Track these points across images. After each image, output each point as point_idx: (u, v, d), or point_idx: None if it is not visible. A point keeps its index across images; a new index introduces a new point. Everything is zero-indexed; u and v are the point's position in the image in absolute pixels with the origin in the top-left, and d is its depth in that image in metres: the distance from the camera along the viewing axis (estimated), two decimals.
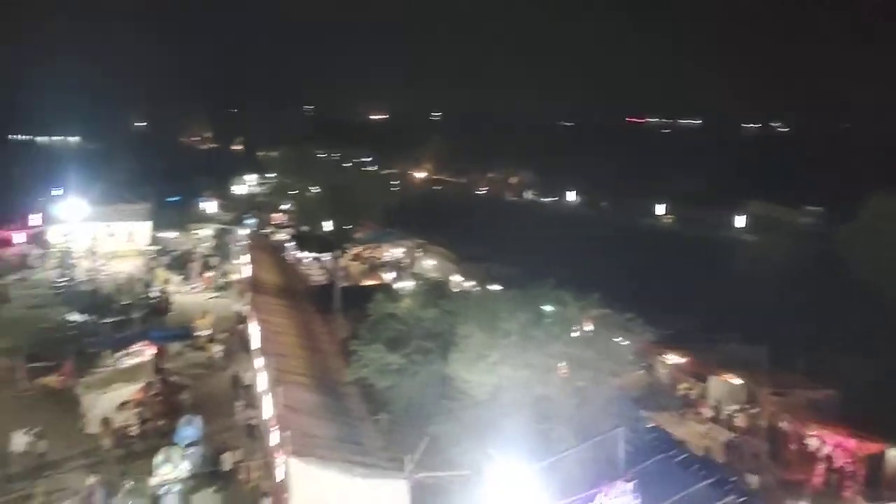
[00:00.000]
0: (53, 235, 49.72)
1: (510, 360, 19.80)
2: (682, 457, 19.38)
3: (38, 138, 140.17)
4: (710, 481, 17.14)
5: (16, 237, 49.64)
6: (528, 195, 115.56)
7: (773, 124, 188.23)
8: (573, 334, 20.76)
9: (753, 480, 21.22)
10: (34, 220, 52.18)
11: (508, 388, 19.85)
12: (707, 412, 28.16)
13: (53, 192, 55.61)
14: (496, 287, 35.66)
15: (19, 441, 21.38)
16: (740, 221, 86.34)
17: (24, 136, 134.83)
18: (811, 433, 24.81)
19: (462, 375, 20.84)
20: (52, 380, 27.24)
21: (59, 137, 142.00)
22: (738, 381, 28.58)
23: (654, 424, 23.37)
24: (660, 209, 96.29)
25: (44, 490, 19.56)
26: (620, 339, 21.43)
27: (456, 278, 44.43)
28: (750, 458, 23.89)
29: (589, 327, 21.57)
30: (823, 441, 24.34)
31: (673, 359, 31.01)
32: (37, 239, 50.47)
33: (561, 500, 13.31)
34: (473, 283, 42.03)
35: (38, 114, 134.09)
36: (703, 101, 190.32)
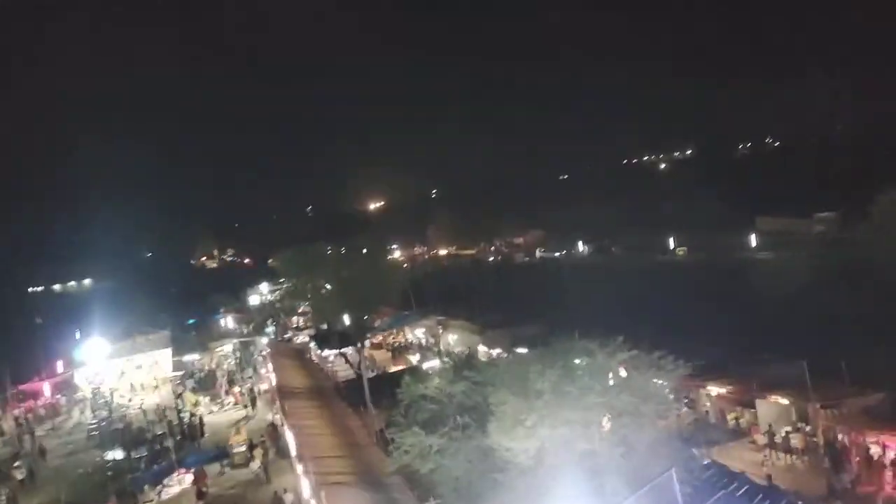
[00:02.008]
0: (80, 379, 50.07)
1: (547, 421, 19.38)
2: (745, 488, 18.69)
3: (54, 286, 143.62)
4: None
5: (44, 387, 50.05)
6: (539, 253, 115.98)
7: (767, 141, 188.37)
8: (608, 383, 20.38)
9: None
10: (60, 367, 52.75)
11: (551, 449, 19.39)
12: (761, 438, 27.34)
13: (74, 337, 56.25)
14: (522, 350, 35.30)
15: None
16: (753, 241, 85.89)
17: (39, 288, 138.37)
18: (871, 440, 23.99)
19: (503, 444, 20.42)
20: None
21: (72, 283, 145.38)
22: (785, 400, 27.83)
23: (708, 460, 22.61)
24: (671, 244, 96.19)
25: None
26: (656, 378, 21.00)
27: (482, 348, 44.12)
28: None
29: (622, 373, 21.20)
30: (885, 446, 23.49)
31: (715, 389, 30.31)
32: (65, 385, 50.81)
33: None
34: (499, 349, 41.67)
35: (50, 264, 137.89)
36: (691, 130, 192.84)
